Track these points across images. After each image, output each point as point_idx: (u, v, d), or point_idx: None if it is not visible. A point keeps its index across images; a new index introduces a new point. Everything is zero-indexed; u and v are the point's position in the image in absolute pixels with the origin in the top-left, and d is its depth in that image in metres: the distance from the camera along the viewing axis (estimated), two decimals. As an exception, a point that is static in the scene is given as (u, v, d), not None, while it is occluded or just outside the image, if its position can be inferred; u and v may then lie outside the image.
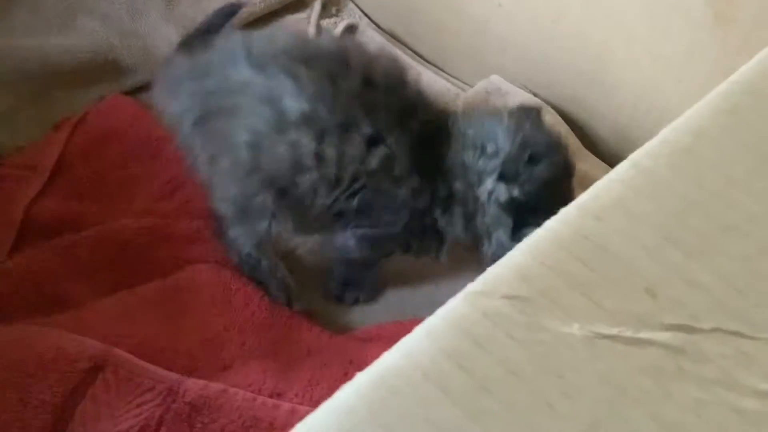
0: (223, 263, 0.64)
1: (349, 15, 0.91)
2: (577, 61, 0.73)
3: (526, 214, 0.57)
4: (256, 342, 0.57)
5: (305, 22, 0.87)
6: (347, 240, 0.61)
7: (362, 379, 0.29)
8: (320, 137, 0.56)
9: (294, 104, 0.56)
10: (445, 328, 0.30)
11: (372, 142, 0.57)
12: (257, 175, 0.58)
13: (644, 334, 0.29)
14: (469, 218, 0.60)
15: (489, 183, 0.59)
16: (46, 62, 0.76)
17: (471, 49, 0.82)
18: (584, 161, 0.72)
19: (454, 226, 0.61)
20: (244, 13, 0.84)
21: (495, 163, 0.59)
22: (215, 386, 0.51)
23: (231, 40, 0.62)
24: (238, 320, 0.58)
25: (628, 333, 0.29)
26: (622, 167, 0.35)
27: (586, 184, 0.67)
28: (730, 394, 0.28)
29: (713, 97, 0.39)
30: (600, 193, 0.34)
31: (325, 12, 0.90)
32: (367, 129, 0.57)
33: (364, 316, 0.64)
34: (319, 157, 0.56)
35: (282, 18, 0.87)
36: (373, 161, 0.57)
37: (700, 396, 0.28)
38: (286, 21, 0.87)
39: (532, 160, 0.59)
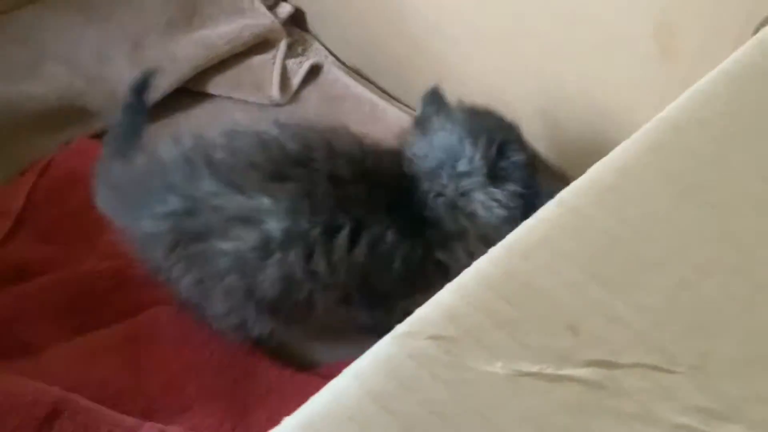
0: (183, 308, 0.64)
1: (315, 54, 0.92)
2: (532, 95, 0.74)
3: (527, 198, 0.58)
4: (215, 382, 0.57)
5: (270, 63, 0.88)
6: (363, 320, 0.60)
7: (290, 422, 0.30)
8: (308, 251, 0.55)
9: (276, 224, 0.54)
10: (372, 369, 0.31)
11: (356, 232, 0.56)
12: (252, 299, 0.56)
13: (565, 371, 0.30)
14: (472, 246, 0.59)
15: (480, 196, 0.59)
16: (13, 109, 0.77)
17: (430, 84, 0.83)
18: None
19: (458, 260, 0.59)
20: (210, 55, 0.85)
21: (476, 179, 0.59)
22: (173, 429, 0.51)
23: (178, 145, 0.60)
24: (197, 361, 0.59)
25: (550, 370, 0.30)
26: (549, 206, 0.36)
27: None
28: (649, 428, 0.29)
29: (640, 134, 0.40)
30: (527, 232, 0.35)
31: (290, 52, 0.91)
32: (349, 223, 0.55)
33: (329, 353, 0.65)
34: (311, 271, 0.55)
35: (247, 58, 0.89)
36: (362, 250, 0.56)
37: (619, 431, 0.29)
38: (252, 62, 0.88)
39: (502, 149, 0.59)
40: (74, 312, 0.65)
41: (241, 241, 0.54)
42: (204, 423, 0.54)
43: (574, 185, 0.37)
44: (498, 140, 0.59)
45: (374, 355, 0.31)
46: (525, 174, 0.59)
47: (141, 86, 0.70)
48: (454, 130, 0.60)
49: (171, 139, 0.60)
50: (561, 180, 0.75)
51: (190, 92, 0.86)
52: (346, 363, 0.60)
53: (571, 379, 0.30)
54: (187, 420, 0.54)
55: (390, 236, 0.56)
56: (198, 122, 0.85)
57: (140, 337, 0.61)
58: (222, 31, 0.87)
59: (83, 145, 0.79)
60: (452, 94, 0.81)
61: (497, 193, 0.58)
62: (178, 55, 0.84)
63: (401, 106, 0.87)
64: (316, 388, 0.57)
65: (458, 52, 0.79)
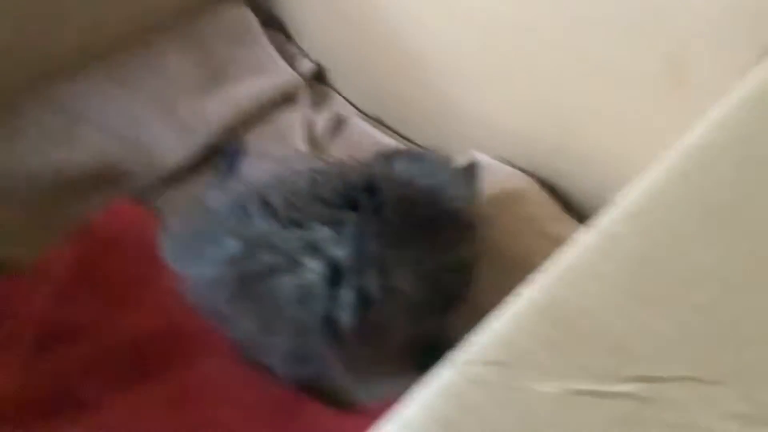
0: (231, 357, 0.67)
1: (338, 106, 0.96)
2: (548, 132, 0.77)
3: None
4: (263, 428, 0.59)
5: (295, 117, 0.92)
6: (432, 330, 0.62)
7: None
8: (381, 269, 0.57)
9: (342, 251, 0.56)
10: (436, 397, 0.33)
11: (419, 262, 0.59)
12: (321, 330, 0.57)
13: (614, 387, 0.32)
14: None
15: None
16: (53, 175, 0.80)
17: (448, 126, 0.87)
18: (565, 225, 0.75)
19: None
20: (238, 113, 0.89)
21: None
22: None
23: (227, 191, 0.63)
24: (244, 406, 0.61)
25: (600, 387, 0.32)
26: (588, 234, 0.39)
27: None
28: (695, 435, 0.31)
29: (667, 160, 0.42)
30: (570, 259, 0.38)
31: (314, 105, 0.95)
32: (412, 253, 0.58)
33: (370, 391, 0.66)
34: (388, 288, 0.57)
35: (274, 114, 0.92)
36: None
37: (667, 441, 0.31)
38: (278, 117, 0.92)
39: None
40: (125, 369, 0.67)
41: (308, 273, 0.56)
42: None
43: (608, 212, 0.40)
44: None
45: (437, 382, 0.34)
46: None
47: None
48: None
49: (219, 188, 0.63)
50: (582, 216, 0.78)
51: (221, 150, 0.90)
52: (388, 402, 0.62)
53: (619, 394, 0.32)
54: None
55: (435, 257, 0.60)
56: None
57: (191, 391, 0.63)
58: (248, 90, 0.91)
59: (122, 207, 0.82)
60: (472, 137, 0.84)
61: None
62: (209, 115, 0.88)
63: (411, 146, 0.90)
64: (363, 428, 0.59)
65: (476, 96, 0.82)
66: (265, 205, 0.59)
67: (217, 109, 0.89)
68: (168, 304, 0.74)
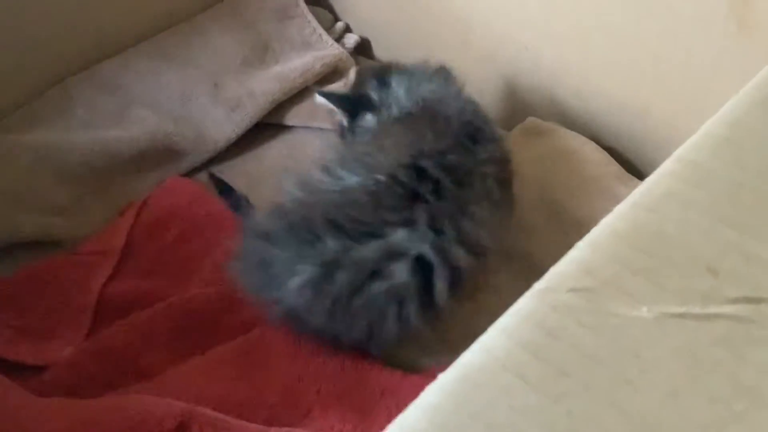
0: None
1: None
2: (608, 90, 0.75)
3: None
4: (331, 388, 0.59)
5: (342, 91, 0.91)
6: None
7: (445, 377, 0.30)
8: (464, 243, 0.59)
9: (423, 246, 0.57)
10: (518, 323, 0.31)
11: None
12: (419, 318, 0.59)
13: (711, 309, 0.31)
14: None
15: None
16: (107, 153, 0.81)
17: (503, 94, 0.85)
18: (627, 185, 0.73)
19: None
20: (285, 88, 0.89)
21: None
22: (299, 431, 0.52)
23: (282, 216, 0.63)
24: (310, 370, 0.60)
25: (696, 309, 0.31)
26: (668, 163, 0.37)
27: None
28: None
29: (748, 88, 0.40)
30: (650, 187, 0.36)
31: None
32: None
33: (431, 357, 0.65)
34: (476, 253, 0.60)
35: (320, 88, 0.91)
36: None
37: (775, 359, 0.29)
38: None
39: None
40: (184, 336, 0.67)
41: (396, 277, 0.57)
42: (326, 426, 0.55)
43: (690, 141, 0.38)
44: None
45: (516, 311, 0.32)
46: None
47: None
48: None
49: (275, 210, 0.64)
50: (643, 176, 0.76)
51: (268, 125, 0.89)
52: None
53: (718, 316, 0.30)
54: (307, 425, 0.55)
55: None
56: (279, 153, 0.88)
57: (252, 352, 0.62)
58: (294, 65, 0.90)
59: (175, 183, 0.83)
60: (525, 104, 0.83)
61: None
62: (256, 91, 0.88)
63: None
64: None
65: (527, 58, 0.80)
66: (331, 223, 0.58)
67: (264, 85, 0.88)
68: (222, 276, 0.74)
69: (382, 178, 0.61)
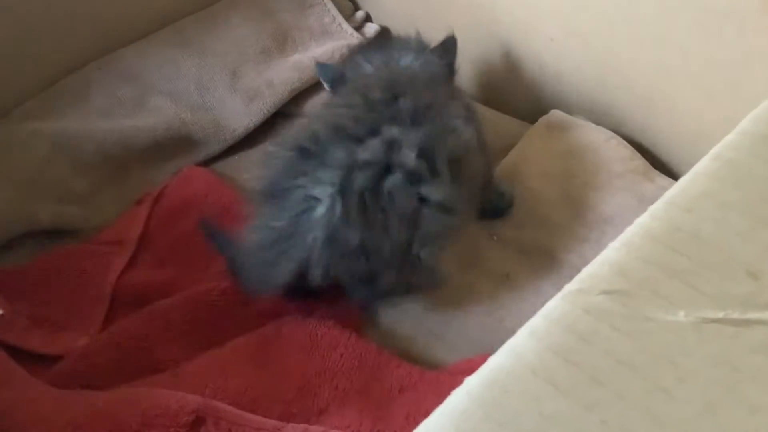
0: (306, 313, 0.65)
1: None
2: (634, 84, 0.73)
3: None
4: (348, 384, 0.58)
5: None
6: None
7: (473, 381, 0.29)
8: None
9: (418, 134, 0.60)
10: (548, 326, 0.30)
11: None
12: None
13: (752, 315, 0.29)
14: None
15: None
16: (123, 142, 0.80)
17: (527, 86, 0.84)
18: (653, 181, 0.71)
19: None
20: (304, 77, 0.87)
21: None
22: (316, 429, 0.51)
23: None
24: (328, 365, 0.59)
25: (735, 315, 0.29)
26: (705, 161, 0.36)
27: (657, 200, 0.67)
28: None
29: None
30: (686, 187, 0.35)
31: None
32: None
33: (450, 353, 0.64)
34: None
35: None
36: None
37: (819, 369, 0.28)
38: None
39: None
40: (199, 328, 0.66)
41: (406, 165, 0.59)
42: (343, 423, 0.54)
43: (727, 139, 0.36)
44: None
45: (548, 313, 0.31)
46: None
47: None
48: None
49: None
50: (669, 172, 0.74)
51: (286, 115, 0.88)
52: (472, 360, 0.60)
53: (758, 322, 0.29)
54: (324, 421, 0.55)
55: None
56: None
57: (269, 345, 0.61)
58: (314, 54, 0.89)
59: (192, 173, 0.82)
60: (549, 97, 0.81)
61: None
62: (275, 80, 0.87)
63: (496, 112, 0.87)
64: (449, 385, 0.56)
65: (552, 50, 0.79)
66: (334, 128, 0.61)
67: (283, 74, 0.87)
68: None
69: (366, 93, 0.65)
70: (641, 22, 0.69)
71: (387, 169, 0.59)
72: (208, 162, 0.85)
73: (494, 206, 0.72)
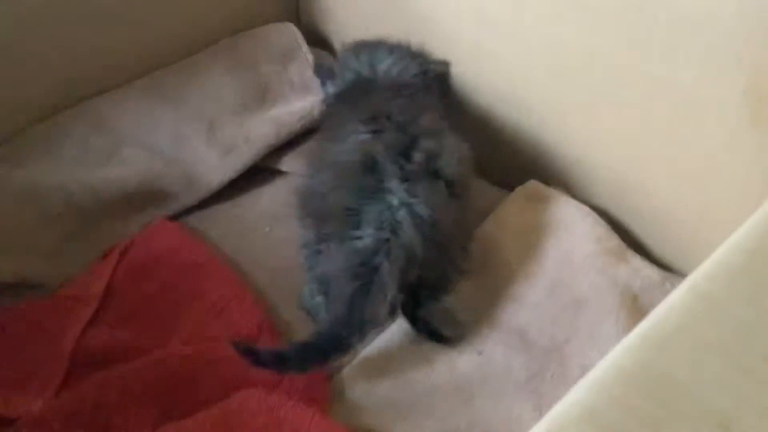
0: (271, 387, 0.64)
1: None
2: (613, 163, 0.73)
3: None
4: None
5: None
6: None
7: None
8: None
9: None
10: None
11: None
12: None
13: (721, 474, 0.28)
14: None
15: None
16: (94, 194, 0.78)
17: (506, 154, 0.83)
18: (627, 262, 0.71)
19: None
20: (282, 133, 0.86)
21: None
22: None
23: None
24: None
25: (706, 474, 0.29)
26: (680, 292, 0.35)
27: (631, 283, 0.67)
28: None
29: (763, 213, 0.38)
30: (661, 321, 0.34)
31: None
32: None
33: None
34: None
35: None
36: None
37: None
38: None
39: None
40: (159, 397, 0.64)
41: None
42: None
43: (703, 268, 0.36)
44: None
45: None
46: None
47: None
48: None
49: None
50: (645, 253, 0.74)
51: (262, 169, 0.87)
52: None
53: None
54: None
55: None
56: (272, 200, 0.85)
57: (230, 422, 0.60)
58: (293, 109, 0.88)
59: (162, 227, 0.80)
60: (529, 168, 0.81)
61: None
62: (252, 134, 0.85)
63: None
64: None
65: (533, 122, 0.79)
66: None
67: (261, 129, 0.86)
68: (205, 331, 0.72)
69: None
70: (623, 105, 0.69)
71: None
72: (179, 215, 0.83)
73: (435, 328, 0.68)
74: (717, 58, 0.60)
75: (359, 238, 0.63)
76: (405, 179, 0.65)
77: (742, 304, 0.34)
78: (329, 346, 0.62)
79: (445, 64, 0.80)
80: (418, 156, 0.66)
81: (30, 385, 0.67)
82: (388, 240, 0.63)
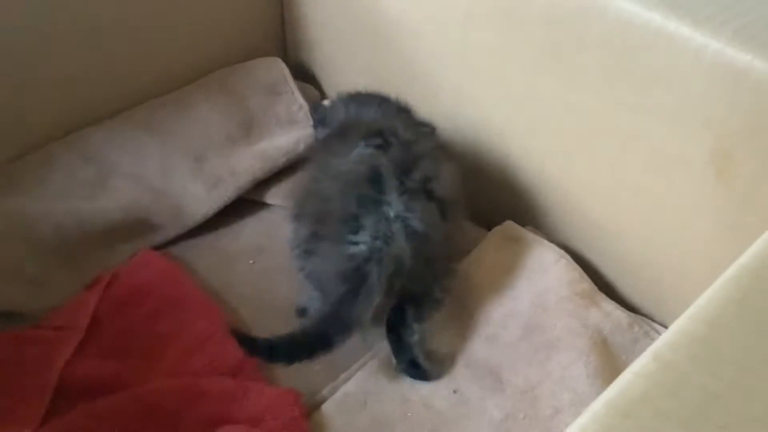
0: (253, 423, 0.65)
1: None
2: (586, 209, 0.76)
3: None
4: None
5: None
6: None
7: None
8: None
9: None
10: None
11: None
12: None
13: None
14: None
15: None
16: (80, 225, 0.80)
17: (484, 193, 0.86)
18: (599, 305, 0.74)
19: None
20: (267, 167, 0.88)
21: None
22: None
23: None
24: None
25: None
26: (644, 359, 0.38)
27: (601, 326, 0.70)
28: None
29: (724, 283, 0.41)
30: (625, 389, 0.36)
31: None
32: None
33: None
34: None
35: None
36: None
37: None
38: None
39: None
40: (143, 430, 0.66)
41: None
42: None
43: (666, 337, 0.38)
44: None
45: None
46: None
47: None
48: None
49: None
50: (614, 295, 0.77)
51: (247, 201, 0.89)
52: None
53: None
54: None
55: None
56: (255, 232, 0.87)
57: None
58: (278, 143, 0.91)
59: (147, 258, 0.81)
60: (506, 210, 0.84)
61: None
62: (238, 168, 0.87)
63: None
64: None
65: (510, 166, 0.82)
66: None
67: (247, 162, 0.88)
68: (189, 363, 0.73)
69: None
70: (597, 156, 0.72)
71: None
72: (164, 245, 0.85)
73: (415, 358, 0.70)
74: (687, 116, 0.63)
75: (355, 243, 0.67)
76: (403, 194, 0.68)
77: (702, 373, 0.36)
78: (315, 343, 0.65)
79: (431, 128, 0.82)
80: (417, 174, 0.70)
81: (14, 415, 0.67)
82: (380, 249, 0.66)
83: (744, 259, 0.43)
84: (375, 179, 0.69)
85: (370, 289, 0.65)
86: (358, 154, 0.72)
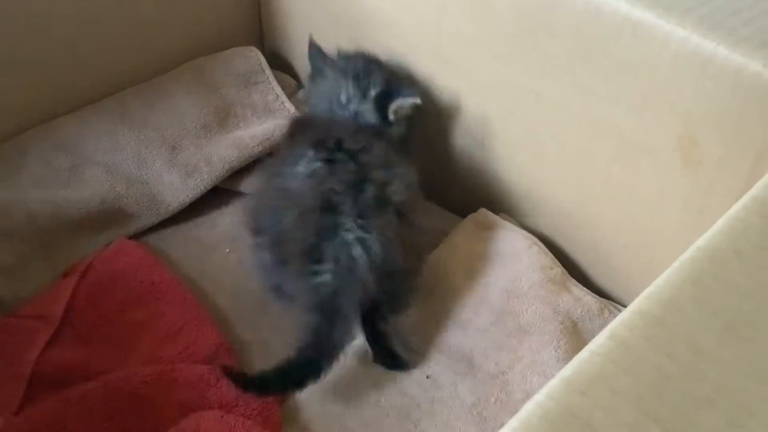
0: (227, 409, 0.66)
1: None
2: (557, 196, 0.77)
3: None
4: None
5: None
6: None
7: None
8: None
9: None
10: None
11: None
12: None
13: None
14: None
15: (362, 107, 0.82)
16: (55, 214, 0.80)
17: (458, 181, 0.87)
18: (570, 291, 0.75)
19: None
20: (243, 156, 0.89)
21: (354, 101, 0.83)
22: None
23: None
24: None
25: None
26: (601, 339, 0.38)
27: (571, 312, 0.71)
28: None
29: (681, 264, 0.42)
30: (583, 367, 0.37)
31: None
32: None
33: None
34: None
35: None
36: None
37: None
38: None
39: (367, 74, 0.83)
40: (118, 417, 0.66)
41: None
42: None
43: (623, 317, 0.39)
44: (361, 70, 0.82)
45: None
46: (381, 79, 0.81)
47: None
48: (334, 75, 0.83)
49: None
50: (586, 282, 0.78)
51: (222, 190, 0.89)
52: None
53: None
54: None
55: None
56: (231, 221, 0.87)
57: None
58: (254, 132, 0.91)
59: (122, 246, 0.82)
60: (480, 197, 0.85)
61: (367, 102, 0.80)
62: (213, 157, 0.87)
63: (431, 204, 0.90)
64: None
65: (484, 155, 0.82)
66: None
67: (223, 151, 0.88)
68: (164, 351, 0.74)
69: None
70: (567, 144, 0.73)
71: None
72: (139, 234, 0.85)
73: (391, 347, 0.71)
74: (653, 104, 0.64)
75: (318, 273, 0.68)
76: (359, 216, 0.69)
77: (656, 353, 0.37)
78: (305, 372, 0.66)
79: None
80: (370, 188, 0.71)
81: (-12, 404, 0.68)
82: (345, 278, 0.67)
83: (701, 241, 0.43)
84: (329, 208, 0.70)
85: (344, 318, 0.67)
86: (307, 167, 0.73)
